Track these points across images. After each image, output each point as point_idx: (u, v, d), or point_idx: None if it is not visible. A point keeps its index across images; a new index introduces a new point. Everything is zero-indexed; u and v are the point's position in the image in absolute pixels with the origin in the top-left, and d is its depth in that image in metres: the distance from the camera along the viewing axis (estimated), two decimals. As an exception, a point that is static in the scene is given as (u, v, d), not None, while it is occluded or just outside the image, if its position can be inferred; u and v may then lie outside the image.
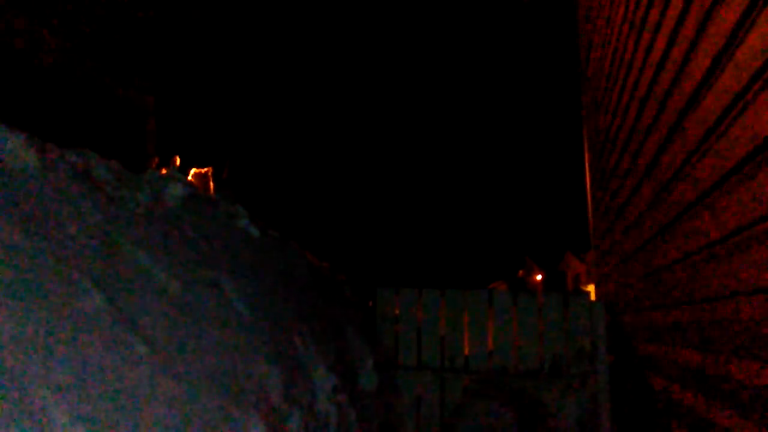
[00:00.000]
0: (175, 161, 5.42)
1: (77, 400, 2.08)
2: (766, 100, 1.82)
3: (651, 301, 3.63)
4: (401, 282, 6.33)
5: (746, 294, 2.10)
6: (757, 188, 1.96)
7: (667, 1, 2.80)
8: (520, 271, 50.46)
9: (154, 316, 2.61)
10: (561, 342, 5.41)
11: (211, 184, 5.04)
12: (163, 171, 3.72)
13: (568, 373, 5.33)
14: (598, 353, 5.28)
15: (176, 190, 3.42)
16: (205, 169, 5.06)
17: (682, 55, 2.63)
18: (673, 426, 3.07)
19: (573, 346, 5.36)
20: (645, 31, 3.34)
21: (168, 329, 2.62)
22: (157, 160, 6.02)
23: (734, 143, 2.12)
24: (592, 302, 5.54)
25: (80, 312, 2.34)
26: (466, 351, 5.53)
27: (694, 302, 2.74)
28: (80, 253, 2.55)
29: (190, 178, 5.12)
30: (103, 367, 2.26)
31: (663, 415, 3.31)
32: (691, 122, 2.61)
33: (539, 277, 45.74)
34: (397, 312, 5.70)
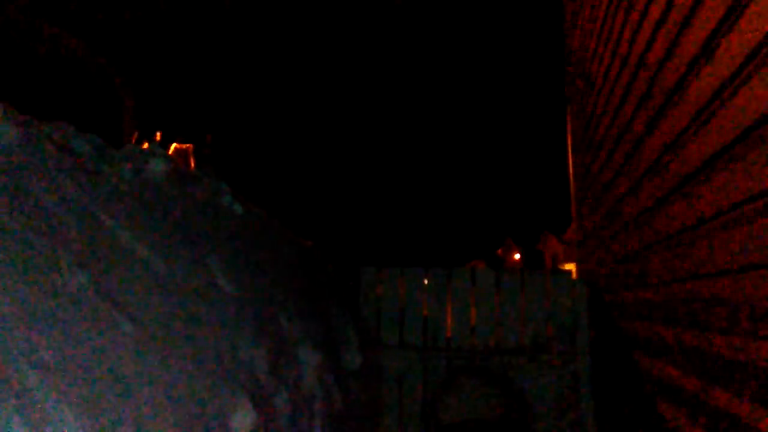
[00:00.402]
0: (156, 137, 5.32)
1: (63, 379, 2.04)
2: (754, 84, 1.81)
3: (635, 280, 3.66)
4: (383, 260, 6.33)
5: (729, 272, 2.11)
6: (738, 174, 1.97)
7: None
8: (499, 250, 50.82)
9: (138, 294, 2.56)
10: (543, 320, 5.46)
11: (192, 160, 4.96)
12: (144, 146, 3.65)
13: (549, 351, 5.38)
14: (579, 331, 5.33)
15: (158, 165, 3.35)
16: (186, 145, 4.97)
17: (669, 38, 2.61)
18: (659, 403, 3.10)
19: (554, 323, 5.41)
20: (634, 9, 3.32)
21: (153, 307, 2.58)
22: (136, 134, 5.92)
23: (719, 128, 2.12)
24: (573, 280, 5.58)
25: (63, 290, 2.29)
26: (449, 330, 5.55)
27: (678, 280, 2.76)
28: (62, 229, 2.49)
29: (170, 153, 5.03)
30: (89, 345, 2.21)
31: (648, 392, 3.35)
32: (677, 104, 2.61)
33: (517, 256, 46.12)
34: (380, 291, 5.71)
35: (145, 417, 2.25)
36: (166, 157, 3.47)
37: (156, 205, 3.10)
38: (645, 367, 3.45)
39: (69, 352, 2.13)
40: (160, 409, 2.32)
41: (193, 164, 4.68)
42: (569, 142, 6.79)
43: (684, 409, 2.68)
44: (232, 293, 3.15)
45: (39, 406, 1.93)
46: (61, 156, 2.79)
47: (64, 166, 2.74)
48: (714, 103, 2.19)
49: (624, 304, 4.09)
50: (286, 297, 3.74)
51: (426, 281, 5.62)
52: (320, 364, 3.66)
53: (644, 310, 3.44)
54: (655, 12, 2.89)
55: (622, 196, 3.87)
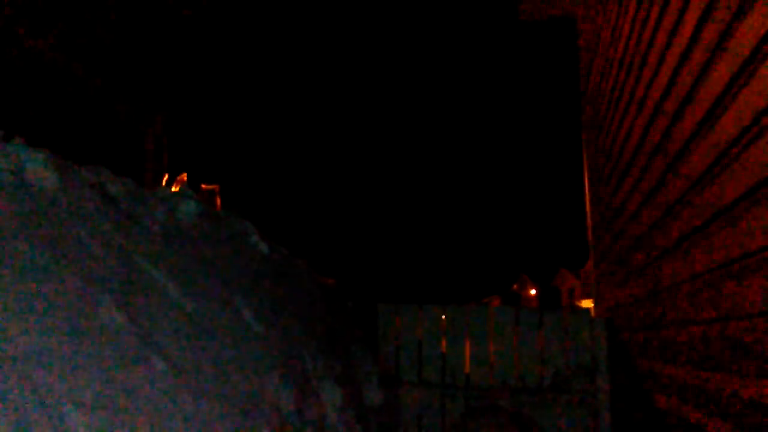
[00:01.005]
0: (184, 178, 5.48)
1: (101, 416, 2.12)
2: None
3: (654, 319, 3.70)
4: (399, 296, 6.40)
5: (751, 316, 2.16)
6: (761, 218, 2.04)
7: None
8: (515, 286, 50.55)
9: (171, 333, 2.65)
10: (561, 358, 5.47)
11: (218, 200, 5.10)
12: (174, 188, 3.78)
13: (569, 390, 5.38)
14: (598, 369, 5.34)
15: (190, 207, 3.47)
16: (213, 186, 5.12)
17: (692, 78, 2.71)
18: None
19: (573, 362, 5.42)
20: (650, 55, 3.43)
21: (185, 346, 2.66)
22: (167, 175, 6.10)
23: (741, 172, 2.19)
24: (592, 319, 5.60)
25: (101, 328, 2.39)
26: (467, 367, 5.57)
27: (700, 322, 2.80)
28: (100, 270, 2.59)
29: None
30: (125, 383, 2.30)
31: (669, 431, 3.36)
32: (698, 147, 2.69)
33: (533, 292, 45.82)
34: (398, 328, 5.75)
35: (178, 454, 2.32)
36: (197, 199, 3.59)
37: (187, 246, 3.21)
38: (665, 407, 3.46)
39: (108, 392, 2.22)
40: (193, 447, 2.39)
41: (219, 204, 4.81)
42: (586, 178, 6.86)
43: (706, 451, 2.70)
44: (259, 332, 3.23)
45: (81, 443, 2.01)
46: (99, 199, 2.92)
47: (102, 210, 2.86)
48: (735, 146, 2.27)
49: (643, 343, 4.11)
50: (309, 335, 3.81)
51: (444, 319, 5.66)
52: (342, 401, 3.71)
53: (664, 350, 3.48)
54: (671, 60, 2.99)
55: (641, 234, 3.92)
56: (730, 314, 2.39)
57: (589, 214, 6.73)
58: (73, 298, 2.38)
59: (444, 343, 5.62)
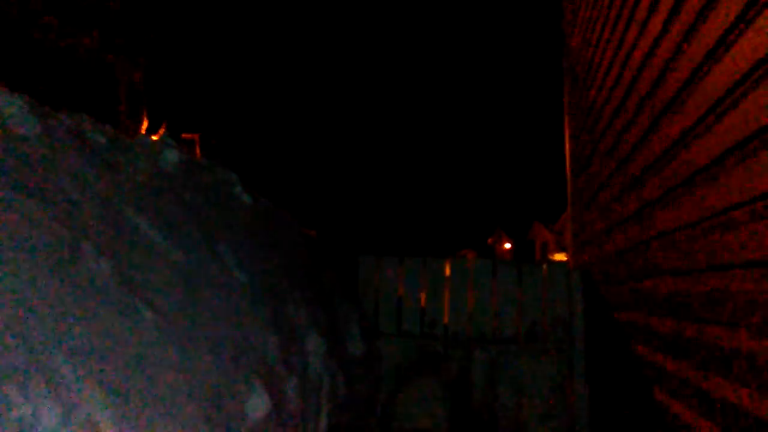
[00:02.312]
0: (163, 127, 5.37)
1: (92, 364, 2.12)
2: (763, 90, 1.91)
3: (633, 272, 3.77)
4: (376, 248, 6.42)
5: (729, 267, 2.21)
6: (742, 175, 2.06)
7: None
8: (489, 239, 51.09)
9: (158, 282, 2.64)
10: (538, 310, 5.58)
11: (198, 150, 5.02)
12: (154, 137, 3.70)
13: (545, 339, 5.50)
14: (574, 320, 5.46)
15: (172, 156, 3.41)
16: (193, 135, 5.03)
17: (689, 20, 2.70)
18: (655, 392, 3.22)
19: (550, 313, 5.53)
20: (640, 6, 3.40)
21: (172, 296, 2.65)
22: (146, 123, 5.97)
23: (726, 128, 2.21)
24: (569, 271, 5.70)
25: (87, 278, 2.36)
26: (446, 318, 5.65)
27: (677, 273, 2.86)
28: (84, 218, 2.55)
29: (177, 143, 5.10)
30: (113, 332, 2.29)
31: (645, 380, 3.46)
32: (684, 103, 2.70)
33: (508, 246, 46.40)
34: (378, 279, 5.80)
35: (168, 402, 2.33)
36: (179, 148, 3.53)
37: (170, 194, 3.17)
38: (641, 356, 3.56)
39: (96, 339, 2.21)
40: (182, 395, 2.41)
41: (199, 154, 4.74)
42: (567, 132, 6.88)
43: (681, 397, 2.79)
44: (244, 282, 3.23)
45: (70, 389, 2.01)
46: (79, 147, 2.85)
47: (83, 157, 2.80)
48: (722, 104, 2.28)
49: (620, 295, 4.20)
50: (293, 286, 3.82)
51: (424, 270, 5.71)
52: (326, 351, 3.75)
53: (642, 301, 3.55)
54: (661, 14, 2.97)
55: (623, 189, 3.96)
56: (710, 265, 2.44)
57: (568, 167, 6.77)
58: (57, 246, 2.34)
59: (423, 295, 5.69)
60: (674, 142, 2.87)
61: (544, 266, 5.79)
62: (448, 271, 5.73)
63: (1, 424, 1.79)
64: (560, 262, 6.34)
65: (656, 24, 3.08)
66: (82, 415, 2.00)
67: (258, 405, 2.74)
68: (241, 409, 2.69)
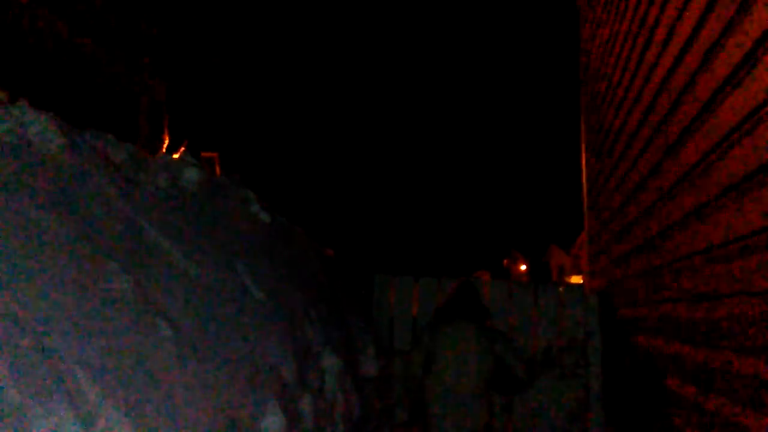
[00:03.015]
0: (184, 145, 5.45)
1: (110, 379, 2.14)
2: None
3: (653, 296, 3.74)
4: (392, 268, 6.41)
5: (752, 294, 2.20)
6: (761, 201, 2.06)
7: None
8: (505, 261, 50.84)
9: (176, 299, 2.67)
10: (554, 333, 5.54)
11: (217, 168, 5.08)
12: (175, 155, 3.76)
13: (561, 363, 5.46)
14: (590, 344, 5.42)
15: (192, 174, 3.46)
16: (212, 154, 5.09)
17: (703, 51, 2.70)
18: (675, 421, 3.18)
19: (566, 336, 5.49)
20: (657, 32, 3.42)
21: (190, 313, 2.68)
22: (167, 142, 6.06)
23: (744, 156, 2.21)
24: (586, 294, 5.67)
25: (108, 293, 2.39)
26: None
27: (699, 298, 2.84)
28: (105, 234, 2.59)
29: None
30: (132, 348, 2.31)
31: (664, 407, 3.42)
32: (705, 125, 2.70)
33: (523, 268, 46.13)
34: (392, 298, 5.80)
35: (184, 419, 2.34)
36: (199, 166, 3.58)
37: (190, 213, 3.21)
38: (660, 380, 3.52)
39: (116, 356, 2.23)
40: (198, 412, 2.42)
41: (218, 172, 4.80)
42: (583, 154, 6.87)
43: (703, 427, 2.76)
44: (261, 299, 3.25)
45: (91, 405, 2.03)
46: (102, 164, 2.90)
47: (106, 174, 2.84)
48: (741, 129, 2.28)
49: (639, 319, 4.16)
50: (308, 304, 3.84)
51: (439, 290, 5.70)
52: (341, 370, 3.75)
53: (662, 325, 3.53)
54: (681, 37, 2.98)
55: (643, 212, 3.95)
56: (734, 291, 2.42)
57: (585, 190, 6.75)
58: (80, 262, 2.38)
59: (438, 314, 5.66)
60: (692, 166, 2.87)
61: (561, 289, 5.76)
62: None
63: (22, 437, 1.81)
64: (577, 285, 6.31)
65: (672, 52, 3.09)
66: (100, 430, 2.02)
67: (273, 423, 2.75)
68: (257, 427, 2.70)
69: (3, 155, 2.36)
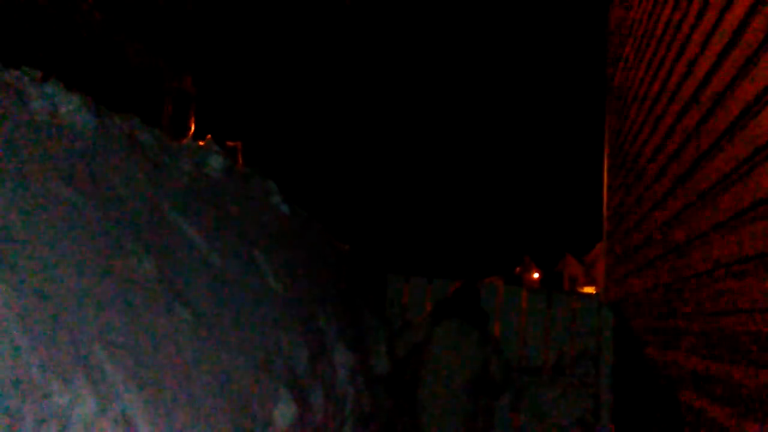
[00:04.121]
0: (208, 137, 5.52)
1: (129, 359, 2.16)
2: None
3: (669, 309, 3.71)
4: (405, 267, 6.42)
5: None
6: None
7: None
8: (517, 268, 50.69)
9: (196, 284, 2.68)
10: (567, 341, 5.52)
11: (240, 158, 5.12)
12: (200, 142, 3.79)
13: (572, 372, 5.43)
14: (603, 354, 5.39)
15: (217, 162, 3.48)
16: (235, 143, 5.13)
17: (734, 70, 2.68)
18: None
19: (578, 345, 5.47)
20: (689, 48, 3.39)
21: (209, 299, 2.70)
22: (193, 130, 6.12)
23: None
24: (600, 304, 5.64)
25: (131, 274, 2.41)
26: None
27: (717, 313, 2.82)
28: (130, 216, 2.62)
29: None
30: (152, 330, 2.33)
31: (677, 423, 3.40)
32: (730, 142, 2.67)
33: (536, 276, 45.95)
34: (405, 299, 5.80)
35: (199, 401, 2.36)
36: (224, 154, 3.61)
37: (213, 200, 3.23)
38: (670, 393, 3.50)
39: (135, 335, 2.25)
40: (213, 396, 2.43)
41: (241, 161, 4.84)
42: (605, 165, 6.84)
43: (714, 440, 2.74)
44: (278, 290, 3.27)
45: (108, 384, 2.05)
46: (130, 147, 2.93)
47: (133, 157, 2.87)
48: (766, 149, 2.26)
49: (654, 331, 4.14)
50: (324, 298, 3.85)
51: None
52: (353, 366, 3.76)
53: (677, 339, 3.50)
54: (714, 51, 2.96)
55: (662, 226, 3.92)
56: (752, 307, 2.40)
57: (605, 202, 6.72)
58: (104, 241, 2.40)
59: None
60: (713, 185, 2.85)
61: (575, 297, 5.74)
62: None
63: (41, 409, 1.84)
64: (591, 295, 6.27)
65: (702, 67, 3.06)
66: (117, 409, 2.03)
67: (285, 413, 2.76)
68: (269, 416, 2.71)
69: (37, 134, 2.39)
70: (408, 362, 4.48)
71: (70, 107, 2.76)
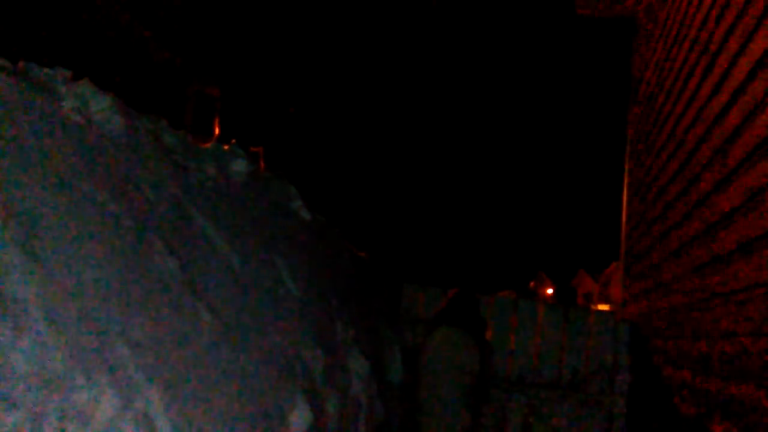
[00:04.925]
0: (233, 141, 5.59)
1: (151, 357, 2.18)
2: None
3: (687, 329, 3.69)
4: (419, 277, 6.43)
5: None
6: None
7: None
8: (531, 283, 50.44)
9: (217, 286, 2.71)
10: (582, 358, 5.48)
11: (262, 162, 5.16)
12: (225, 147, 3.83)
13: (586, 389, 5.39)
14: (618, 373, 5.34)
15: (240, 165, 3.52)
16: (257, 148, 5.18)
17: (759, 95, 2.67)
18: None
19: (593, 362, 5.42)
20: (714, 70, 3.38)
21: (229, 301, 2.72)
22: (217, 133, 6.20)
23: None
24: (617, 322, 5.59)
25: (155, 274, 2.44)
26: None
27: (737, 334, 2.80)
28: (155, 216, 2.65)
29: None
30: (173, 330, 2.36)
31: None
32: (754, 165, 2.66)
33: (550, 291, 45.68)
34: (421, 308, 5.80)
35: (217, 404, 2.38)
36: (248, 158, 3.64)
37: (236, 203, 3.27)
38: (691, 420, 3.46)
39: (157, 334, 2.28)
40: (231, 399, 2.45)
41: (263, 166, 4.90)
42: (625, 182, 6.80)
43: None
44: (297, 295, 3.29)
45: (130, 382, 2.07)
46: (157, 148, 2.97)
47: (160, 158, 2.91)
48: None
49: (671, 351, 4.10)
50: (341, 305, 3.86)
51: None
52: (368, 373, 3.76)
53: (696, 360, 3.47)
54: (737, 77, 2.95)
55: (682, 246, 3.90)
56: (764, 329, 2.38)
57: (624, 220, 6.68)
58: (129, 239, 2.43)
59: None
60: (736, 206, 2.83)
61: (591, 314, 5.70)
62: (492, 309, 5.68)
63: (64, 405, 1.86)
64: (607, 312, 6.24)
65: (727, 90, 3.05)
66: (138, 407, 2.06)
67: (300, 418, 2.77)
68: (285, 419, 2.72)
69: (69, 134, 2.43)
70: (411, 366, 4.47)
71: (101, 107, 2.81)
